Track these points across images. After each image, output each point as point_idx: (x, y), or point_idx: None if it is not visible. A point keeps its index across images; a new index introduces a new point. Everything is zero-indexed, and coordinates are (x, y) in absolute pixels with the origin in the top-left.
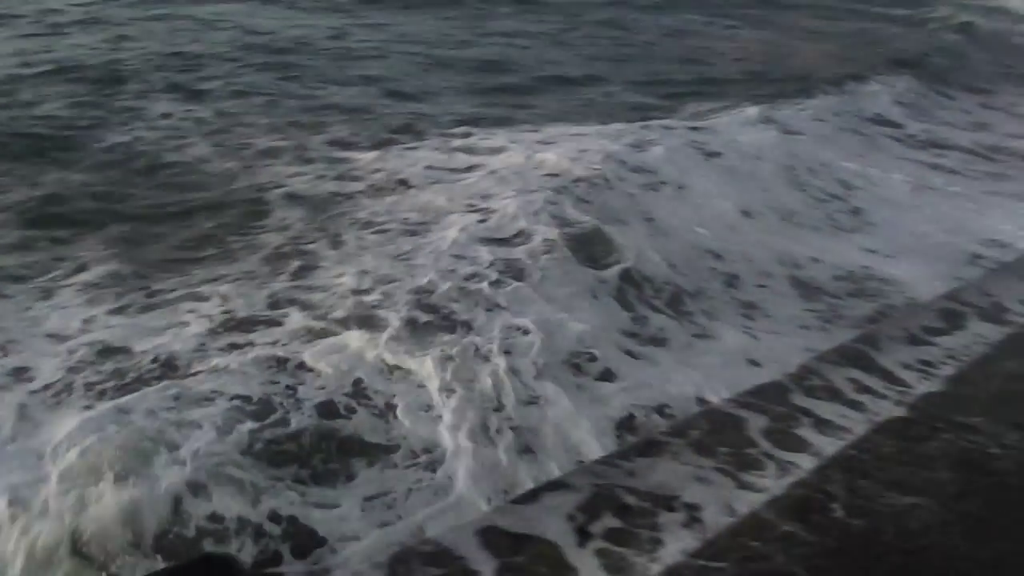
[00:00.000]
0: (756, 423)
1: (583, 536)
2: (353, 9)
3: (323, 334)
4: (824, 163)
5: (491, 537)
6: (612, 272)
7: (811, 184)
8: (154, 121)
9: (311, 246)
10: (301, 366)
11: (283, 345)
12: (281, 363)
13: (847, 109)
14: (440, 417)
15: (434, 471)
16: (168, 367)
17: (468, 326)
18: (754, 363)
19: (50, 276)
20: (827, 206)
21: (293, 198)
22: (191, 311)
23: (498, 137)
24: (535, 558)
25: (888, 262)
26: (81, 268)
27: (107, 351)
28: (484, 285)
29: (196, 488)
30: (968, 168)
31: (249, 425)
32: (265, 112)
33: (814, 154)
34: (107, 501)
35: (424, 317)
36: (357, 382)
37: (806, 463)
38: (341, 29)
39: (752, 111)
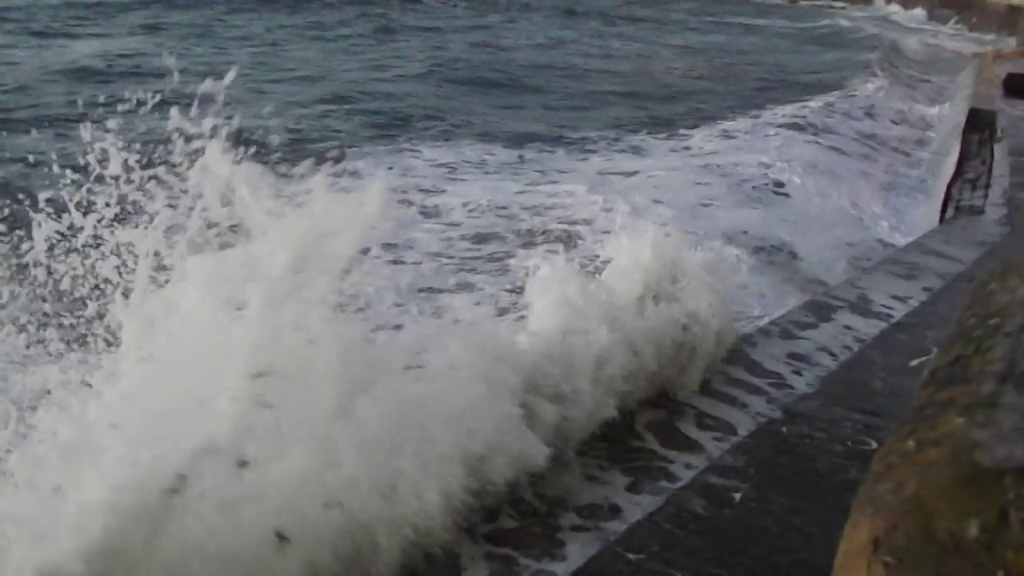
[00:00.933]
0: (642, 421)
1: (476, 540)
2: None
3: None
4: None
5: None
6: None
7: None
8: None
9: None
10: None
11: None
12: None
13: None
14: None
15: None
16: None
17: None
18: None
19: None
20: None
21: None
22: None
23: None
24: (432, 565)
25: (785, 228)
26: None
27: None
28: None
29: None
30: (850, 151)
31: None
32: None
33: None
34: None
35: None
36: None
37: (694, 462)
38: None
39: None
